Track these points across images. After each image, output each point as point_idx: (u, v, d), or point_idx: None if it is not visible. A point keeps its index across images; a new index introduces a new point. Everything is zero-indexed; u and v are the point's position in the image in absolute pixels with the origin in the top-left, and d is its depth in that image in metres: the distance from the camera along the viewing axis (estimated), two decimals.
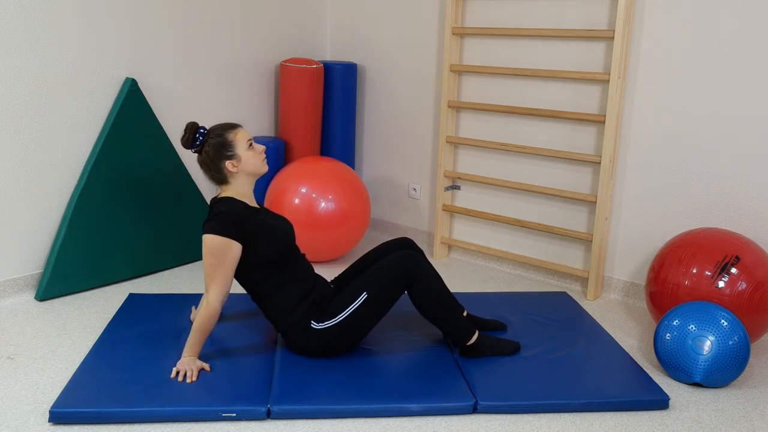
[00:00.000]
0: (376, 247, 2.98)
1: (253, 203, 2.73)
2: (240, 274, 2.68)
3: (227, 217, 2.57)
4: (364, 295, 2.63)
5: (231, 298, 3.29)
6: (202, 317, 2.55)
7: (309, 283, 2.74)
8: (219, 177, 2.67)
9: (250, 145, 2.66)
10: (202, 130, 2.64)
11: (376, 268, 2.71)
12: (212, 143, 2.63)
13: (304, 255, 2.85)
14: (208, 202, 3.90)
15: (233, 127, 2.67)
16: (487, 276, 3.93)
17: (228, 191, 2.68)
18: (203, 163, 2.68)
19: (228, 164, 2.62)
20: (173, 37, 3.78)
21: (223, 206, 2.62)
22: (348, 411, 2.43)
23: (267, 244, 2.64)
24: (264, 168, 2.70)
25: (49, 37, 3.27)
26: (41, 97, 3.29)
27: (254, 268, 2.66)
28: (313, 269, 2.84)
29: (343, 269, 3.04)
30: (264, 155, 2.70)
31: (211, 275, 2.55)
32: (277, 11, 4.30)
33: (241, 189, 2.68)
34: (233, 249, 2.55)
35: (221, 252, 2.53)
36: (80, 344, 2.90)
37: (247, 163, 2.65)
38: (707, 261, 2.88)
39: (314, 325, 2.66)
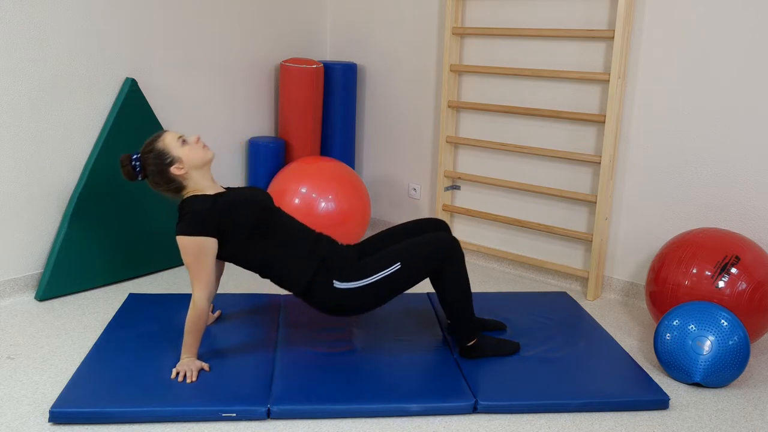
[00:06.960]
0: (409, 222, 2.95)
1: (217, 189, 2.71)
2: (236, 257, 2.66)
3: (194, 216, 2.56)
4: (398, 265, 2.62)
5: (231, 298, 3.30)
6: (190, 317, 2.55)
7: (310, 240, 2.71)
8: (174, 186, 2.66)
9: (183, 141, 2.64)
10: (134, 156, 2.65)
11: (414, 242, 2.69)
12: (149, 160, 2.62)
13: (296, 220, 2.80)
14: None
15: (158, 135, 2.66)
16: (487, 276, 3.93)
17: (189, 192, 2.67)
18: (155, 184, 2.67)
19: (173, 170, 2.61)
20: (173, 37, 3.78)
21: (188, 206, 2.61)
22: (348, 411, 2.43)
23: (242, 217, 2.61)
24: (208, 154, 2.67)
25: (49, 37, 3.27)
26: (41, 97, 3.29)
27: (245, 244, 2.63)
28: (311, 229, 2.79)
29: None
30: (201, 142, 2.67)
31: (192, 275, 2.55)
32: (277, 11, 4.30)
33: (199, 184, 2.66)
34: (208, 245, 2.55)
35: (197, 251, 2.53)
36: (80, 344, 2.90)
37: (189, 158, 2.62)
38: (707, 261, 2.88)
39: (337, 284, 2.62)
